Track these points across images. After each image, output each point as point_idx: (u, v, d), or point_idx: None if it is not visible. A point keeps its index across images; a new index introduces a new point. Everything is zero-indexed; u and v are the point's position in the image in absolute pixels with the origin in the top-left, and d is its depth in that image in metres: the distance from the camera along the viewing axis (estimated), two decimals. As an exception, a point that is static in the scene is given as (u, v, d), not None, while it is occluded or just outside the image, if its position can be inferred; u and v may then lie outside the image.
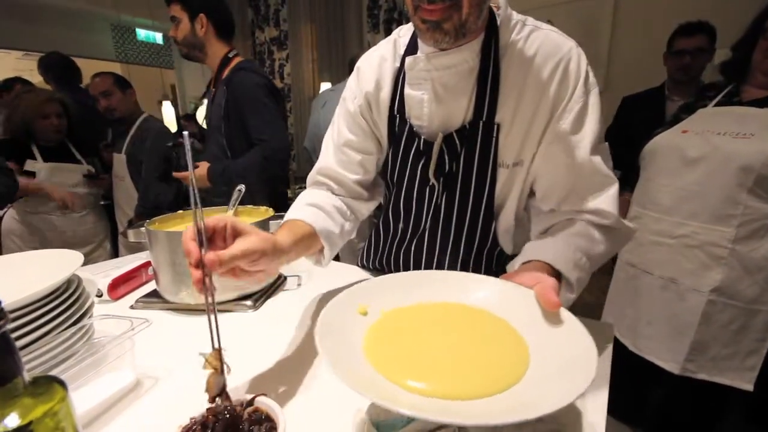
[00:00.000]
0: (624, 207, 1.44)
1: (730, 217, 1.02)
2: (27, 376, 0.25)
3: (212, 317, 0.41)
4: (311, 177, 0.79)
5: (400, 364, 0.39)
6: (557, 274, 0.54)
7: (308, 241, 0.62)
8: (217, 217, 0.46)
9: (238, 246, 0.45)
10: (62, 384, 0.26)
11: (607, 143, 0.64)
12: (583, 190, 0.63)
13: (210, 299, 0.41)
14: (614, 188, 0.63)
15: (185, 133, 0.41)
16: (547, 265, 0.54)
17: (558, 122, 0.61)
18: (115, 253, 2.06)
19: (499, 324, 0.45)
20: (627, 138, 1.74)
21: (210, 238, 0.45)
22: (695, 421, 1.26)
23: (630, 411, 1.49)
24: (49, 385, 0.26)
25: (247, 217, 0.94)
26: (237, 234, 0.47)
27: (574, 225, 0.63)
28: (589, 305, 1.49)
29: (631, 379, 1.44)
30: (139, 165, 1.92)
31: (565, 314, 0.41)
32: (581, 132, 0.61)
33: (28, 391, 0.24)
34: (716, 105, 1.14)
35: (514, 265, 0.61)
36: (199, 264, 0.41)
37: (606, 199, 0.62)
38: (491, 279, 0.51)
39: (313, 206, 0.68)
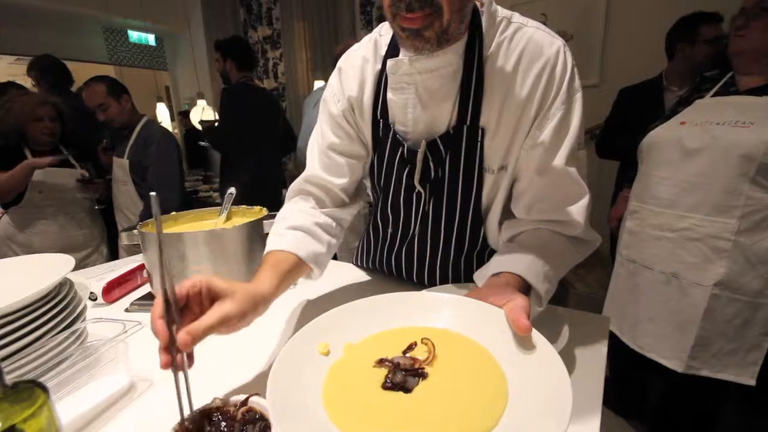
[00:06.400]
0: (623, 203, 1.44)
1: (732, 209, 1.01)
2: (8, 381, 0.24)
3: (184, 401, 0.39)
4: (297, 184, 0.75)
5: (368, 419, 0.35)
6: (527, 286, 0.53)
7: (295, 271, 0.60)
8: (191, 282, 0.42)
9: (214, 314, 0.41)
10: (44, 388, 0.26)
11: (584, 151, 0.63)
12: (555, 199, 0.62)
13: (185, 379, 0.39)
14: (585, 199, 0.62)
15: (153, 194, 0.36)
16: (518, 277, 0.53)
17: (538, 129, 0.60)
18: (114, 257, 2.05)
19: (473, 348, 0.42)
20: (626, 129, 1.73)
21: (186, 305, 0.42)
22: (696, 415, 1.26)
23: (631, 407, 1.49)
24: (30, 390, 0.25)
25: (241, 218, 0.94)
26: (214, 297, 0.43)
27: (543, 235, 0.62)
28: (585, 297, 1.50)
29: (632, 375, 1.44)
30: (143, 170, 1.90)
31: (536, 337, 0.39)
32: (560, 140, 0.60)
33: (9, 396, 0.24)
34: (714, 95, 1.13)
35: (484, 275, 0.59)
36: (168, 346, 0.38)
37: (576, 210, 0.62)
38: (459, 298, 0.48)
39: (296, 230, 0.65)
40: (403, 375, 0.39)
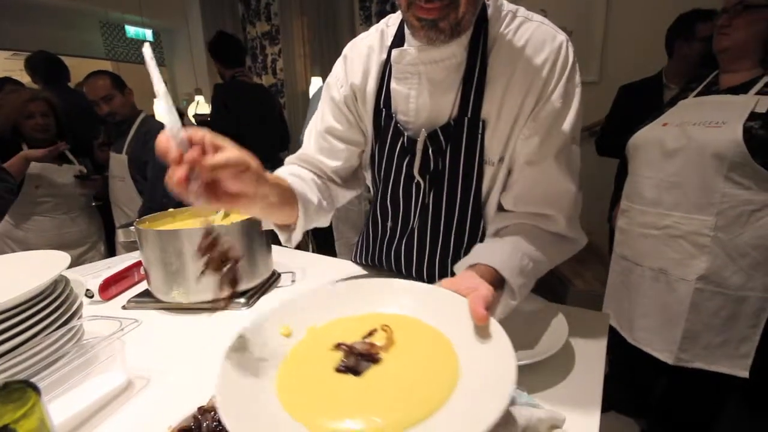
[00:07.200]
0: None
1: (709, 206, 1.04)
2: (-2, 381, 0.24)
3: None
4: (290, 160, 0.76)
5: (318, 401, 0.36)
6: (502, 279, 0.53)
7: (287, 196, 0.59)
8: (194, 128, 0.41)
9: (224, 154, 0.41)
10: (35, 389, 0.25)
11: (577, 147, 0.63)
12: (541, 192, 0.62)
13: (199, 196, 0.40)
14: (572, 195, 0.62)
15: (147, 47, 0.37)
16: (492, 269, 0.52)
17: (534, 120, 0.60)
18: (111, 254, 2.04)
19: (432, 335, 0.43)
20: (625, 127, 1.72)
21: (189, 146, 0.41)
22: (696, 411, 1.27)
23: (632, 403, 1.50)
24: (22, 390, 0.25)
25: (239, 214, 0.93)
26: (217, 148, 0.42)
27: (525, 230, 0.62)
28: (584, 294, 1.50)
29: (632, 372, 1.45)
30: (143, 165, 1.89)
31: (495, 327, 0.39)
32: (552, 133, 0.60)
33: (0, 397, 0.24)
34: (697, 95, 1.16)
35: (462, 266, 0.58)
36: (179, 161, 0.38)
37: (560, 205, 0.62)
38: (424, 286, 0.48)
39: (293, 175, 0.66)
40: (357, 359, 0.40)
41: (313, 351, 0.42)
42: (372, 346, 0.41)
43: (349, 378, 0.38)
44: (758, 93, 1.01)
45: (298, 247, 0.73)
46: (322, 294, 0.49)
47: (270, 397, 0.36)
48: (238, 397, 0.34)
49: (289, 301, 0.48)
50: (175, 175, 0.38)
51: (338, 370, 0.39)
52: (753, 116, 0.98)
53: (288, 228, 0.64)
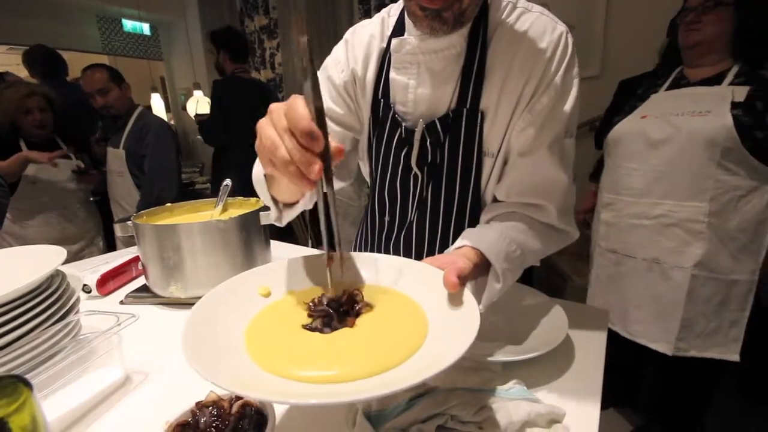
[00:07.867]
0: (590, 197, 1.49)
1: (703, 192, 1.05)
2: (-12, 376, 0.24)
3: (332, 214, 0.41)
4: None
5: (281, 349, 0.37)
6: (487, 263, 0.52)
7: None
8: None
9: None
10: (27, 383, 0.25)
11: (572, 140, 0.63)
12: (532, 182, 0.62)
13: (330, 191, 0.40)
14: (563, 186, 0.62)
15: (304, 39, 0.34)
16: (478, 251, 0.52)
17: (529, 111, 0.60)
18: (110, 249, 2.04)
19: (406, 303, 0.44)
20: None
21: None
22: (690, 401, 1.27)
23: (625, 396, 1.51)
24: (14, 385, 0.25)
25: (237, 209, 0.93)
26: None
27: (514, 218, 0.62)
28: (584, 288, 1.50)
29: (624, 365, 1.45)
30: (140, 160, 1.88)
31: (467, 297, 0.40)
32: (547, 124, 0.59)
33: (-10, 392, 0.23)
34: (667, 89, 1.18)
35: (450, 250, 0.58)
36: (323, 153, 0.36)
37: (552, 196, 0.62)
38: (404, 259, 0.49)
39: None
40: (323, 322, 0.41)
41: (287, 310, 0.44)
42: (343, 316, 0.42)
43: (315, 335, 0.39)
44: (731, 84, 1.04)
45: (297, 242, 0.73)
46: (304, 262, 0.49)
47: (235, 339, 0.38)
48: (202, 333, 0.35)
49: (271, 264, 0.49)
50: (314, 169, 0.35)
51: (305, 328, 0.40)
52: (733, 105, 1.00)
53: (289, 207, 0.60)
